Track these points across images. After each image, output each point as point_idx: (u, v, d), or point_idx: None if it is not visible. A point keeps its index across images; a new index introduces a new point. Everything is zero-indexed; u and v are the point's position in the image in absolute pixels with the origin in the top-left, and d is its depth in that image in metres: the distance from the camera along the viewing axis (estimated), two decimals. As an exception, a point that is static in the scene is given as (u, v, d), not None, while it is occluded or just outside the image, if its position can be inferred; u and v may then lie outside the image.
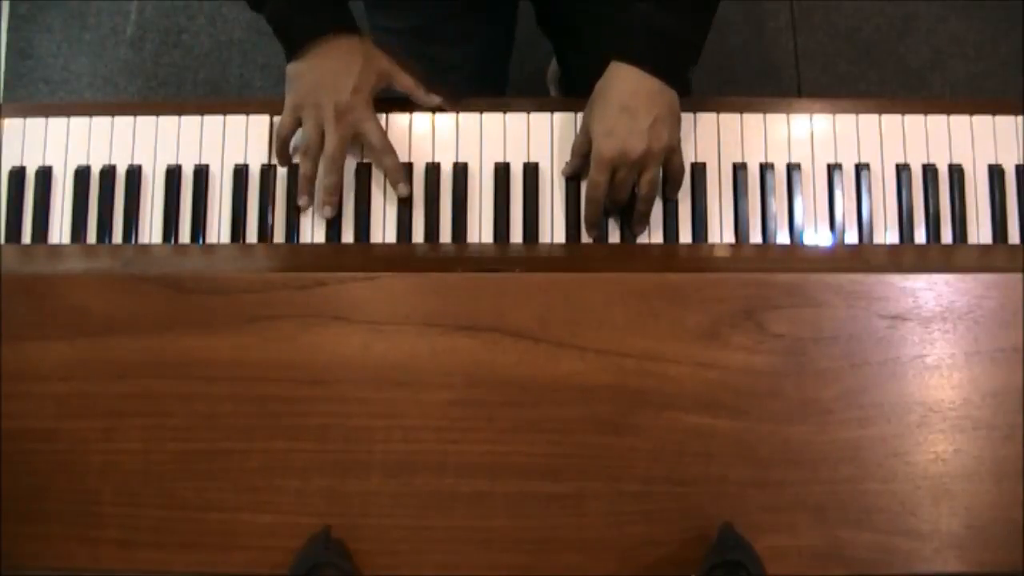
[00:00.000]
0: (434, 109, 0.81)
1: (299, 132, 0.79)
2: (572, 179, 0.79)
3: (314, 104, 0.77)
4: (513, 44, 1.01)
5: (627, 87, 0.73)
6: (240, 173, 0.81)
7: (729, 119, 0.80)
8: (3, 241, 0.81)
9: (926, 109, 0.80)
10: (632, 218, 0.77)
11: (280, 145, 0.79)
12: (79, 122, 0.82)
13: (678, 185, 0.78)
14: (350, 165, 0.80)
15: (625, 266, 0.72)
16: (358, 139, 0.79)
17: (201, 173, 0.81)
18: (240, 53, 1.55)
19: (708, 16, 0.77)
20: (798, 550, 0.53)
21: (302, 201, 0.79)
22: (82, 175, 0.81)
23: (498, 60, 1.00)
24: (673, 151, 0.76)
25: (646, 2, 0.73)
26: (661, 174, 0.76)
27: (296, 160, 0.80)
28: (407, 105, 0.81)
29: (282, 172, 0.80)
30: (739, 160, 0.79)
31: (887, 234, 0.78)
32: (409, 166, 0.80)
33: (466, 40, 0.92)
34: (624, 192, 0.75)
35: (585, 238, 0.79)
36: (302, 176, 0.78)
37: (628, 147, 0.72)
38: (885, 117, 0.80)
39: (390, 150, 0.78)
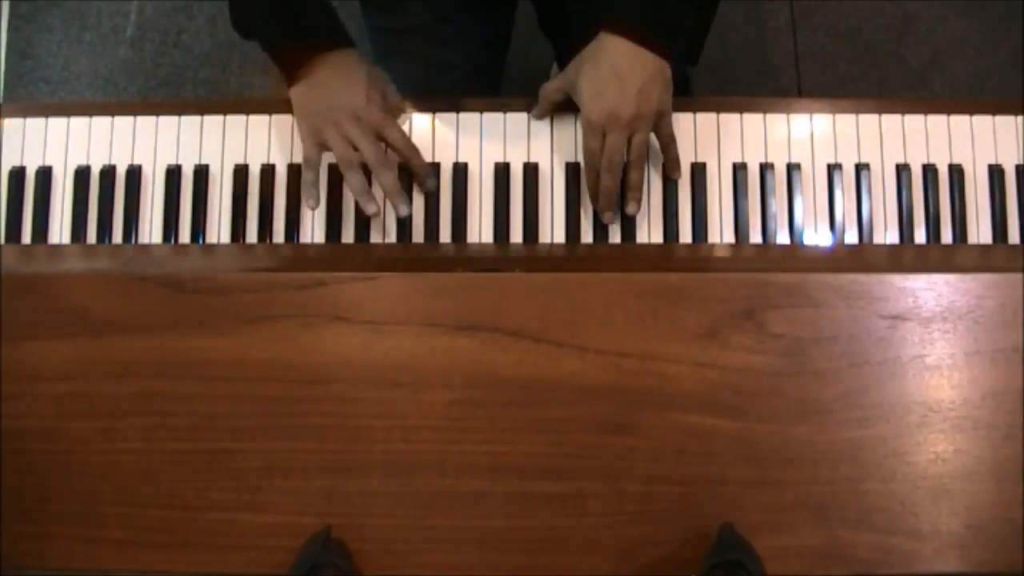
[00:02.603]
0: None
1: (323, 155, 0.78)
2: (571, 179, 0.79)
3: (333, 122, 0.76)
4: (510, 44, 1.01)
5: (616, 54, 0.74)
6: (240, 173, 0.81)
7: (729, 119, 0.80)
8: (3, 241, 0.81)
9: (926, 109, 0.80)
10: (625, 194, 0.78)
11: (312, 176, 0.77)
12: (79, 122, 0.82)
13: (674, 155, 0.78)
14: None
15: (625, 266, 0.72)
16: (382, 141, 0.78)
17: (201, 173, 0.81)
18: (240, 53, 1.55)
19: (708, 5, 0.77)
20: (798, 550, 0.53)
21: (372, 210, 0.76)
22: (82, 175, 0.81)
23: (495, 60, 1.01)
24: (662, 116, 0.76)
25: None
26: (651, 139, 0.77)
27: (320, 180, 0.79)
28: (406, 106, 0.81)
29: (281, 172, 0.80)
30: (739, 160, 0.79)
31: (887, 234, 0.78)
32: (409, 166, 0.80)
33: (464, 40, 0.92)
34: (617, 159, 0.75)
35: (586, 238, 0.79)
36: (358, 190, 0.76)
37: (617, 110, 0.73)
38: (885, 117, 0.80)
39: (415, 150, 0.78)
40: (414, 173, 0.79)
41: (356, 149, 0.76)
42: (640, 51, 0.74)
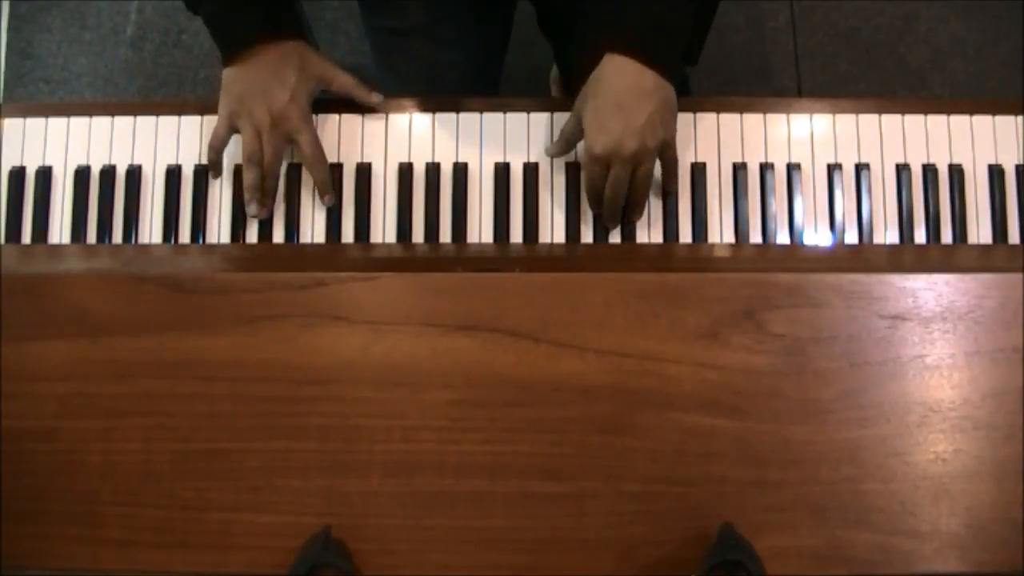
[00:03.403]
0: (374, 106, 0.81)
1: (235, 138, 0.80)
2: (571, 179, 0.79)
3: (249, 112, 0.77)
4: (508, 45, 1.01)
5: (622, 82, 0.73)
6: (240, 173, 0.81)
7: (729, 119, 0.80)
8: (3, 241, 0.81)
9: (926, 109, 0.80)
10: (628, 209, 0.78)
11: (214, 153, 0.79)
12: (79, 122, 0.82)
13: (674, 176, 0.78)
14: (350, 166, 0.80)
15: (625, 266, 0.72)
16: (292, 146, 0.79)
17: (200, 173, 0.81)
18: (240, 53, 1.55)
19: (703, 10, 0.77)
20: (798, 550, 0.53)
21: (252, 210, 0.79)
22: (82, 175, 0.81)
23: (493, 61, 1.00)
24: (668, 145, 0.75)
25: None
26: (656, 167, 0.77)
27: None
28: (406, 106, 0.81)
29: (281, 172, 0.80)
30: (739, 160, 0.79)
31: (887, 234, 0.78)
32: (409, 166, 0.80)
33: (463, 41, 0.92)
34: (621, 189, 0.75)
35: (585, 238, 0.79)
36: (249, 185, 0.78)
37: (621, 145, 0.72)
38: (885, 117, 0.80)
39: (321, 161, 0.79)
40: (316, 184, 0.79)
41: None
42: (644, 73, 0.72)
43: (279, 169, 0.79)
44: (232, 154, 0.81)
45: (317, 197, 0.80)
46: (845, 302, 0.54)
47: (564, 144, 0.78)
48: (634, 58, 0.72)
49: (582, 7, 0.89)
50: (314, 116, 0.81)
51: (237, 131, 0.79)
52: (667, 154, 0.76)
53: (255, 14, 0.77)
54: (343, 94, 0.81)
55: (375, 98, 0.81)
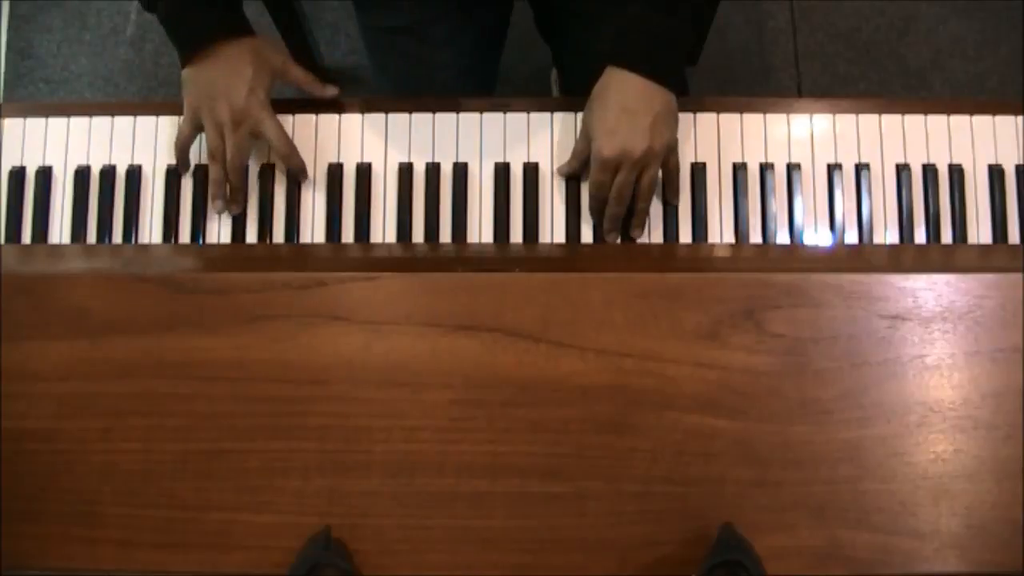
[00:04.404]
0: (330, 100, 0.81)
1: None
2: (571, 179, 0.79)
3: (210, 109, 0.78)
4: (504, 46, 1.01)
5: (626, 89, 0.73)
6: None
7: (729, 119, 0.80)
8: (3, 241, 0.81)
9: (926, 109, 0.80)
10: (631, 218, 0.78)
11: (180, 152, 0.80)
12: (79, 122, 0.82)
13: (676, 185, 0.78)
14: (350, 166, 0.80)
15: (625, 266, 0.72)
16: (259, 139, 0.79)
17: (200, 173, 0.81)
18: (240, 53, 1.55)
19: (703, 16, 0.77)
20: (798, 550, 0.53)
21: (217, 206, 0.79)
22: (82, 175, 0.81)
23: (487, 62, 1.00)
24: (672, 150, 0.76)
25: (640, 4, 0.73)
26: (660, 173, 0.77)
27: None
28: (406, 105, 0.81)
29: (281, 172, 0.80)
30: (739, 160, 0.79)
31: (887, 234, 0.78)
32: (409, 166, 0.80)
33: (457, 40, 0.92)
34: (627, 192, 0.75)
35: (585, 238, 0.79)
36: (212, 181, 0.79)
37: (631, 146, 0.73)
38: (885, 117, 0.80)
39: (290, 147, 0.79)
40: (291, 170, 0.80)
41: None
42: (648, 84, 0.73)
43: (244, 166, 0.79)
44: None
45: (317, 196, 0.80)
46: (845, 302, 0.54)
47: (576, 163, 0.78)
48: (637, 72, 0.73)
49: (576, 7, 0.89)
50: (314, 116, 0.81)
51: (201, 129, 0.79)
52: (671, 160, 0.77)
53: (211, 14, 0.77)
54: (298, 87, 0.81)
55: (329, 91, 0.81)
